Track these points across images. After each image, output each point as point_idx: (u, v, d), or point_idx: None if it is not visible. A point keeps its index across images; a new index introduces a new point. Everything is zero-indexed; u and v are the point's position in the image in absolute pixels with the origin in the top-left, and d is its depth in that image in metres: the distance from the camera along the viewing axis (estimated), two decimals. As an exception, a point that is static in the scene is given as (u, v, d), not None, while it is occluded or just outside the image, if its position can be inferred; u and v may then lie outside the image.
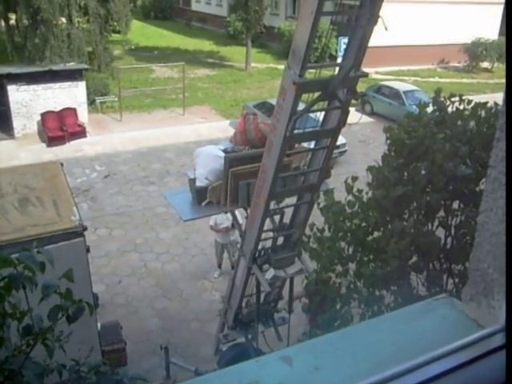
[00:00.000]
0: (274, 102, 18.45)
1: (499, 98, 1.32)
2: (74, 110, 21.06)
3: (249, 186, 7.69)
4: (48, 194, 8.98)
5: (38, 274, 2.16)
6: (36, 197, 8.82)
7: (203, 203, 8.37)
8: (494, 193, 1.13)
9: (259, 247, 7.93)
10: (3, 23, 25.38)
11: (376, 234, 5.82)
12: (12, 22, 24.72)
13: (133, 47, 37.02)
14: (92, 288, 8.59)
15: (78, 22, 23.77)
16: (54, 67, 21.22)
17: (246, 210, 8.22)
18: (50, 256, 2.18)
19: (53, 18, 21.67)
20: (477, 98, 6.20)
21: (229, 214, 12.09)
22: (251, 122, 8.42)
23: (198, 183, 8.41)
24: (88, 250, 8.25)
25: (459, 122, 5.38)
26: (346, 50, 6.42)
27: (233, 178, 7.71)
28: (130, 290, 12.30)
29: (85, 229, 8.03)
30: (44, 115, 20.48)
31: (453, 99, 5.59)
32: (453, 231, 5.22)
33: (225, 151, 8.42)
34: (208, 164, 8.41)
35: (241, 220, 11.72)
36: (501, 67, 34.41)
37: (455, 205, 5.24)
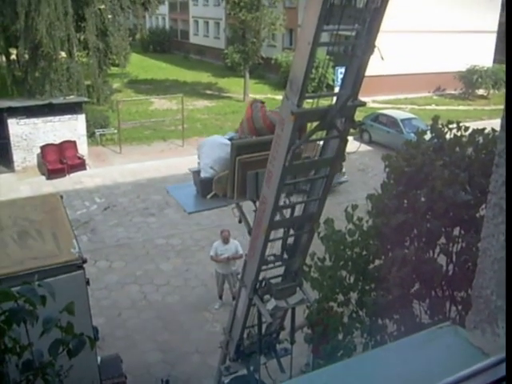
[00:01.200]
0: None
1: (496, 124, 1.33)
2: (74, 142, 21.16)
3: (257, 177, 7.19)
4: (48, 226, 8.95)
5: (39, 308, 2.14)
6: (35, 229, 8.80)
7: (208, 196, 7.86)
8: (495, 218, 1.13)
9: (260, 277, 7.87)
10: (4, 58, 25.68)
11: (377, 262, 5.81)
12: (13, 56, 25.00)
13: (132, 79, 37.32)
14: (92, 321, 8.51)
15: (78, 55, 24.06)
16: (54, 101, 21.39)
17: (254, 203, 7.62)
18: (51, 289, 2.17)
19: (53, 52, 21.91)
20: (474, 125, 6.24)
21: (229, 245, 12.07)
22: (259, 109, 7.82)
23: (203, 174, 7.91)
24: (88, 283, 8.20)
25: (457, 149, 5.41)
26: (343, 79, 6.48)
27: (240, 167, 7.23)
28: (130, 322, 12.19)
29: (84, 261, 7.99)
30: (44, 148, 20.57)
31: (450, 126, 5.63)
32: (454, 258, 5.20)
33: (231, 140, 7.88)
34: (213, 153, 7.92)
35: (241, 251, 11.71)
36: (497, 94, 34.74)
37: (456, 231, 5.23)
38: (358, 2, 6.20)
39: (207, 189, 7.79)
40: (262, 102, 8.02)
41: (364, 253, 5.86)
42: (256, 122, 7.76)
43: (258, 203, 7.31)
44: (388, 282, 5.24)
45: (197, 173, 8.12)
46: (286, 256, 8.01)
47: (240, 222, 9.13)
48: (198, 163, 8.24)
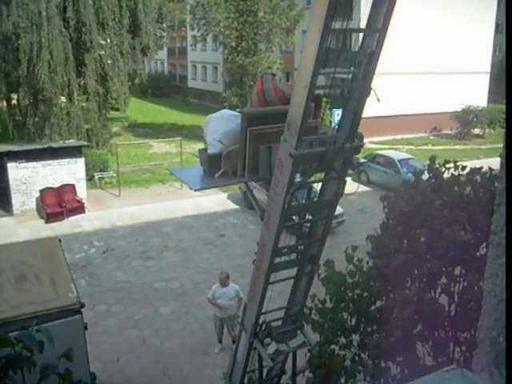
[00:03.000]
0: (271, 173, 18.62)
1: (493, 163, 1.33)
2: (73, 186, 21.21)
3: (271, 151, 6.52)
4: (46, 270, 8.90)
5: (36, 353, 2.11)
6: (33, 274, 8.75)
7: (217, 174, 7.05)
8: (499, 258, 1.12)
9: (260, 321, 7.78)
10: (5, 103, 26.02)
11: (379, 303, 5.75)
12: (14, 101, 25.32)
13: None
14: (89, 367, 8.36)
15: (78, 100, 24.38)
16: (54, 144, 21.56)
17: (267, 182, 6.77)
18: (49, 334, 2.14)
19: (54, 97, 22.20)
20: (471, 164, 6.27)
21: (228, 288, 11.86)
22: (269, 81, 7.17)
23: (210, 150, 7.18)
24: (86, 328, 8.10)
25: (456, 188, 5.43)
26: (340, 121, 6.54)
27: (252, 140, 6.56)
28: (128, 367, 11.97)
29: (82, 306, 7.91)
30: (43, 192, 20.61)
31: (447, 165, 5.67)
32: (456, 298, 5.15)
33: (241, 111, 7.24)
34: (221, 126, 7.24)
35: (241, 295, 11.55)
36: (492, 133, 35.09)
37: (457, 271, 5.20)
38: (354, 46, 6.33)
39: (215, 166, 7.00)
40: (273, 75, 7.41)
41: (365, 294, 5.81)
42: (267, 94, 7.11)
43: (270, 189, 6.62)
44: (390, 323, 5.17)
45: (203, 150, 7.40)
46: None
47: (245, 195, 8.24)
48: (205, 143, 7.49)
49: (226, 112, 7.91)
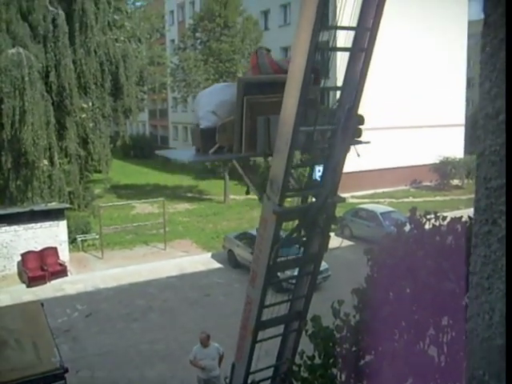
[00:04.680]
0: (254, 232, 18.68)
1: (473, 212, 1.41)
2: (55, 249, 20.99)
3: (269, 124, 6.03)
4: (27, 335, 8.74)
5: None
6: (15, 339, 8.58)
7: (211, 150, 6.46)
8: (478, 298, 1.17)
9: (249, 381, 7.66)
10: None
11: (368, 357, 5.71)
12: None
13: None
14: None
15: (60, 163, 24.40)
16: (36, 207, 21.46)
17: (265, 159, 6.43)
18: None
19: (36, 160, 22.26)
20: (452, 214, 6.38)
21: (209, 348, 11.43)
22: (264, 55, 6.81)
23: (203, 123, 6.59)
24: (70, 394, 7.90)
25: (437, 238, 5.51)
26: (321, 177, 6.65)
27: (249, 110, 6.07)
28: None
29: (66, 371, 7.75)
30: (24, 255, 20.34)
31: (428, 216, 5.76)
32: (445, 349, 5.14)
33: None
34: (215, 97, 6.66)
35: (221, 352, 11.30)
36: (471, 183, 35.69)
37: (444, 321, 5.21)
38: (332, 103, 6.53)
39: (210, 142, 6.41)
40: (268, 50, 7.08)
41: (354, 348, 5.77)
42: (263, 68, 6.65)
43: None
44: (380, 377, 5.14)
45: (196, 126, 6.85)
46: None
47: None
48: (197, 125, 6.87)
49: (218, 84, 7.50)
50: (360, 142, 6.34)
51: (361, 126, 6.09)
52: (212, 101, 6.53)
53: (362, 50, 5.68)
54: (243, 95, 6.04)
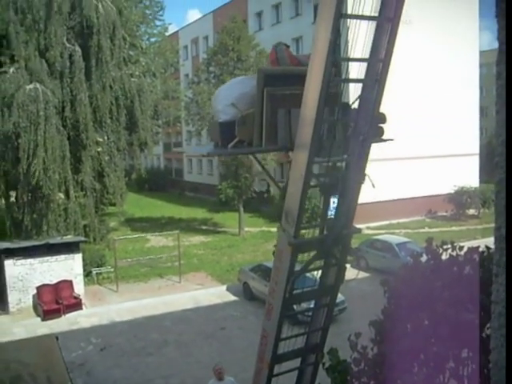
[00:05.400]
0: (269, 264, 18.60)
1: (490, 242, 1.38)
2: (70, 282, 21.02)
3: (290, 117, 5.81)
4: (42, 369, 8.70)
5: None
6: (29, 374, 8.54)
7: (230, 144, 6.20)
8: (502, 328, 1.14)
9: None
10: (3, 201, 26.29)
11: (386, 391, 5.60)
12: (12, 199, 25.59)
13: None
14: None
15: (75, 196, 24.60)
16: (51, 241, 21.58)
17: (286, 154, 5.97)
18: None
19: (51, 194, 22.47)
20: (469, 244, 6.31)
21: (225, 382, 11.22)
22: (283, 50, 6.67)
23: (222, 117, 6.34)
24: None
25: (455, 268, 5.44)
26: (336, 209, 6.62)
27: (269, 102, 5.82)
28: None
29: (80, 406, 7.67)
30: (39, 289, 20.38)
31: (445, 247, 5.71)
32: (466, 382, 5.03)
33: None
34: (234, 90, 6.47)
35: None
36: (487, 212, 35.37)
37: (464, 353, 5.12)
38: (346, 135, 6.52)
39: (228, 136, 6.17)
40: (287, 45, 6.93)
41: (372, 382, 5.67)
42: (282, 62, 6.53)
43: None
44: (399, 412, 5.03)
45: (213, 121, 6.66)
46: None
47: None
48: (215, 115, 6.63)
49: (237, 78, 7.32)
50: (383, 141, 6.26)
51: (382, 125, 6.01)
52: (231, 94, 6.38)
53: (376, 81, 5.69)
54: (263, 87, 5.83)
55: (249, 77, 6.80)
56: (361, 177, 6.15)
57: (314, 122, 5.37)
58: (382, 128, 6.02)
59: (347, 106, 6.04)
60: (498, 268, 1.12)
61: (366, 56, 5.61)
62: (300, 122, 5.59)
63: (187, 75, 52.37)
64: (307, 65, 5.53)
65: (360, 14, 5.10)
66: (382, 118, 5.93)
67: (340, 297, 16.35)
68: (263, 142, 5.91)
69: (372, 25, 5.44)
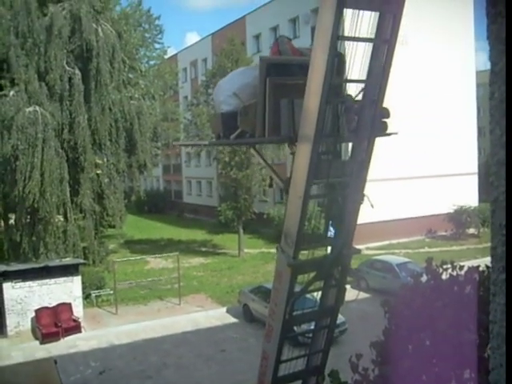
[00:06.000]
0: (269, 285, 18.52)
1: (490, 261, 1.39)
2: (69, 304, 20.89)
3: (293, 107, 5.69)
4: (41, 394, 8.61)
5: None
6: (28, 399, 8.45)
7: (233, 135, 6.18)
8: (500, 348, 1.14)
9: None
10: (2, 223, 26.26)
11: (388, 413, 5.53)
12: (11, 221, 25.56)
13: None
14: None
15: (74, 218, 24.57)
16: (50, 263, 21.51)
17: (289, 145, 5.94)
18: None
19: (50, 216, 22.46)
20: (469, 263, 6.29)
21: None
22: (285, 42, 6.62)
23: (224, 107, 6.30)
24: None
25: (455, 288, 5.42)
26: (336, 229, 6.62)
27: (272, 92, 5.74)
28: None
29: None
30: (38, 312, 20.23)
31: (445, 266, 5.69)
32: (468, 403, 4.99)
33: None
34: (236, 80, 6.43)
35: None
36: (487, 232, 35.27)
37: (466, 374, 5.07)
38: (344, 155, 6.57)
39: (231, 126, 6.14)
40: (289, 38, 6.86)
41: (373, 404, 5.61)
42: (284, 54, 6.46)
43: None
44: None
45: (214, 114, 6.63)
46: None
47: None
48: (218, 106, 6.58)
49: (238, 69, 7.26)
50: (387, 135, 6.23)
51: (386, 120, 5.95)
52: (233, 85, 6.32)
53: (373, 102, 5.71)
54: (266, 76, 5.76)
55: (250, 67, 6.77)
56: (360, 197, 6.16)
57: (312, 143, 5.39)
58: (385, 123, 5.96)
59: (351, 98, 5.97)
60: (495, 287, 1.12)
61: (363, 78, 5.65)
62: (299, 144, 5.61)
63: (186, 97, 52.70)
64: (308, 56, 5.53)
65: (357, 36, 5.14)
66: (386, 113, 5.88)
67: (340, 318, 16.25)
68: (266, 132, 5.83)
69: (369, 46, 5.48)
